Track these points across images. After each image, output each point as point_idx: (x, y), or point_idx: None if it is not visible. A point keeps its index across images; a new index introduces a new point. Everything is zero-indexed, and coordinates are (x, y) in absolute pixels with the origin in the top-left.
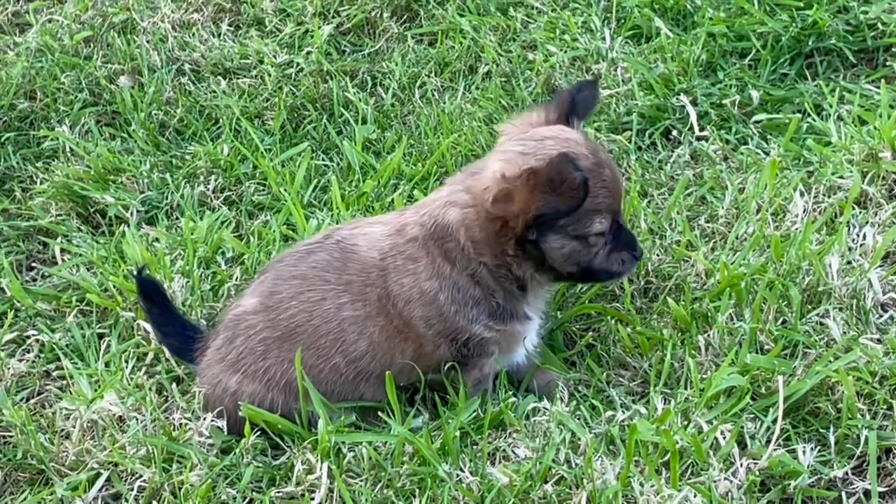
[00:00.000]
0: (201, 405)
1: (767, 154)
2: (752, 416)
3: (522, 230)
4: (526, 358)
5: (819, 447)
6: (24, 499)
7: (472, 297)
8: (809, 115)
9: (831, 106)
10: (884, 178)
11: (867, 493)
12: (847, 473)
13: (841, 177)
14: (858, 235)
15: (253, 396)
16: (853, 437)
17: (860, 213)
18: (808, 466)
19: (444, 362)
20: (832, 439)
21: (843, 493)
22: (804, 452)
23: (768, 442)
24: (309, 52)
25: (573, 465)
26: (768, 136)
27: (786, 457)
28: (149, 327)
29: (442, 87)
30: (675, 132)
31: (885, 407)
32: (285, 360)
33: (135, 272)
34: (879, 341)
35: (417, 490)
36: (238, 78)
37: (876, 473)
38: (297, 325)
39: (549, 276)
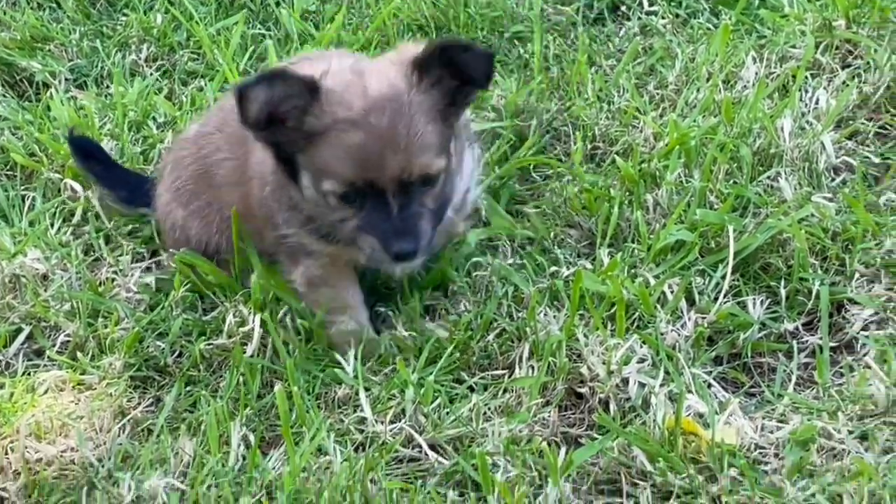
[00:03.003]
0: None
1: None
2: (701, 271)
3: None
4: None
5: (770, 302)
6: None
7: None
8: None
9: None
10: (837, 47)
11: (818, 349)
12: (798, 328)
13: (794, 46)
14: (811, 100)
15: (199, 236)
16: (804, 291)
17: (813, 80)
18: (757, 319)
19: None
20: (783, 294)
21: (795, 346)
22: (754, 305)
23: (717, 299)
24: None
25: (515, 318)
26: (719, 10)
27: (735, 309)
28: (77, 186)
29: None
30: (623, 7)
31: (837, 263)
32: (215, 201)
33: (64, 134)
34: (831, 200)
35: (351, 342)
36: None
37: (827, 328)
38: (212, 165)
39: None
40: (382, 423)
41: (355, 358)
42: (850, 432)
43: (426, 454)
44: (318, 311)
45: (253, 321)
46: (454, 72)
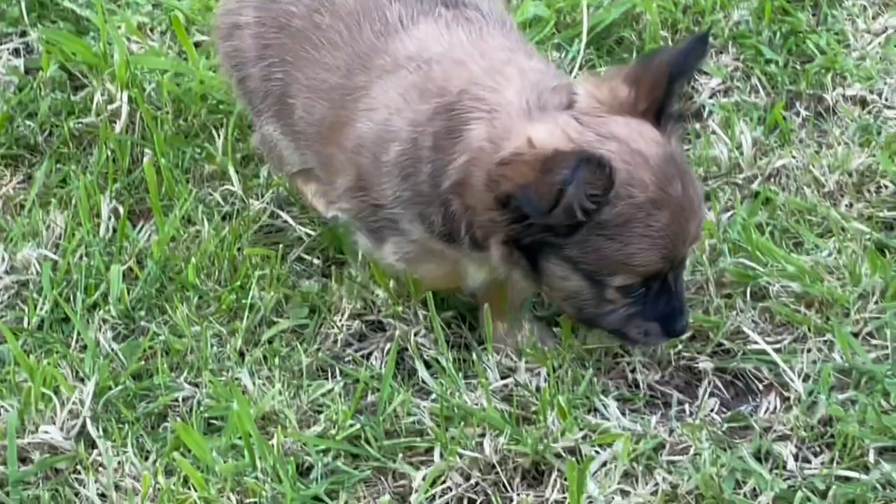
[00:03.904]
0: None
1: None
2: (557, 45)
3: (505, 224)
4: None
5: None
6: None
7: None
8: None
9: None
10: None
11: None
12: None
13: None
14: None
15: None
16: None
17: None
18: None
19: None
20: None
21: None
22: None
23: (573, 72)
24: None
25: None
26: None
27: None
28: None
29: None
30: None
31: (687, 35)
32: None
33: None
34: None
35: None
36: None
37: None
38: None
39: (537, 288)
40: (249, 196)
41: (225, 139)
42: None
43: (294, 227)
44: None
45: (121, 98)
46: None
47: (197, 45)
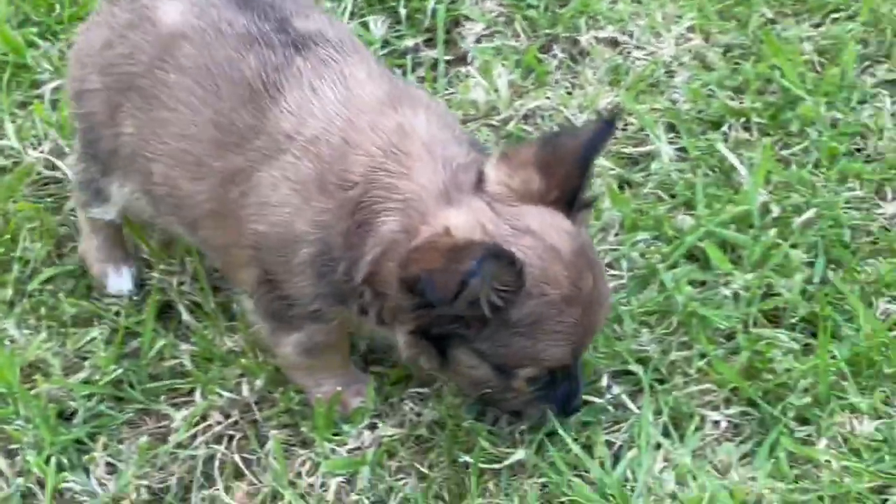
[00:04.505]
0: None
1: None
2: None
3: (411, 309)
4: None
5: (392, 21)
6: None
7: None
8: None
9: None
10: None
11: (435, 62)
12: (418, 44)
13: None
14: None
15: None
16: (423, 10)
17: None
18: (380, 38)
19: None
20: (403, 14)
21: (410, 61)
22: (377, 25)
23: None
24: None
25: None
26: None
27: (360, 30)
28: None
29: None
30: None
31: None
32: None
33: None
34: None
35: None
36: None
37: (444, 43)
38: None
39: (442, 374)
40: (26, 147)
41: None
42: None
43: (70, 178)
44: (302, 381)
45: None
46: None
47: None
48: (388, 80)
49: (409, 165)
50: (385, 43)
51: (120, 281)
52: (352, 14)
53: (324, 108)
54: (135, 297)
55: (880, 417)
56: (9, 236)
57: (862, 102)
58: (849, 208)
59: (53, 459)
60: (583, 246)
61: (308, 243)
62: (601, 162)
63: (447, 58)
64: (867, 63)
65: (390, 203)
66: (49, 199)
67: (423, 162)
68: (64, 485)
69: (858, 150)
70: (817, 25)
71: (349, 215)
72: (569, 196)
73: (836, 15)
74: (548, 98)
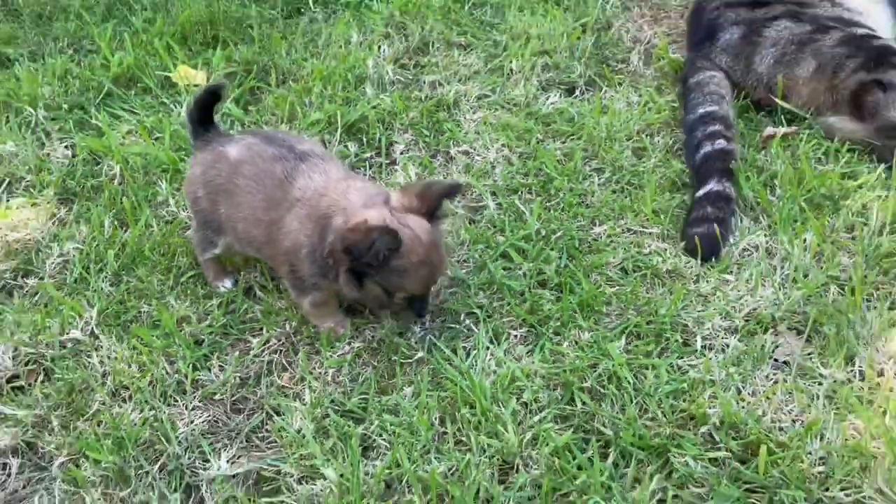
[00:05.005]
0: None
1: None
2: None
3: (347, 262)
4: None
5: (359, 144)
6: None
7: (318, 263)
8: None
9: None
10: None
11: (381, 164)
12: (372, 155)
13: None
14: None
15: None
16: (375, 138)
17: None
18: (353, 152)
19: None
20: (365, 140)
21: (368, 164)
22: (351, 146)
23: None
24: None
25: None
26: None
27: None
28: None
29: None
30: None
31: None
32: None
33: None
34: None
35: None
36: None
37: (385, 154)
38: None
39: (359, 295)
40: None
41: None
42: None
43: None
44: (314, 321)
45: None
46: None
47: None
48: (345, 171)
49: (347, 195)
50: (356, 154)
51: (227, 282)
52: (339, 140)
53: (314, 185)
54: (234, 289)
55: (592, 330)
56: (170, 253)
57: (584, 179)
58: (579, 230)
59: (191, 365)
60: (435, 237)
61: (304, 245)
62: (460, 212)
63: (386, 162)
64: (587, 160)
65: (338, 211)
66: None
67: (354, 194)
68: (197, 376)
69: (581, 202)
70: (563, 143)
71: (322, 228)
72: (431, 213)
73: (572, 137)
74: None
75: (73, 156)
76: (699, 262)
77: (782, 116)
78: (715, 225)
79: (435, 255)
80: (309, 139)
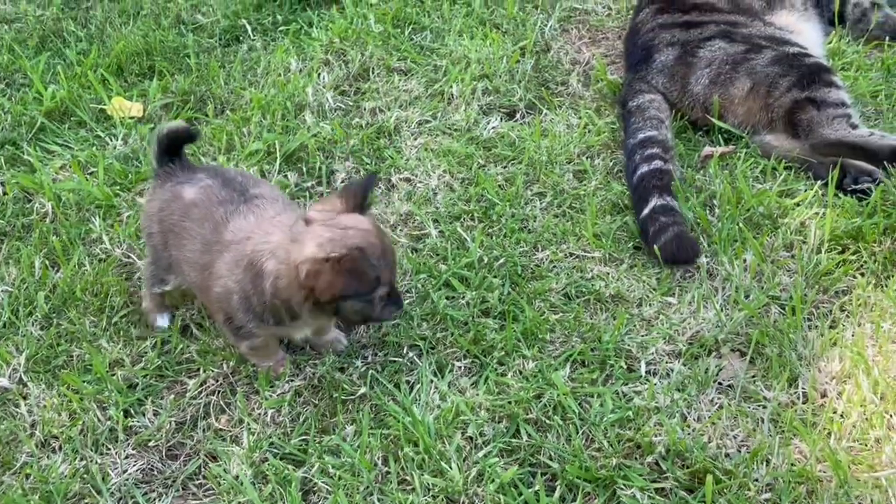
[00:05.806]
0: None
1: None
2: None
3: (327, 300)
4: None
5: (299, 173)
6: None
7: (252, 310)
8: None
9: None
10: None
11: (322, 192)
12: (313, 185)
13: None
14: None
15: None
16: (315, 168)
17: None
18: (293, 182)
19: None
20: (305, 170)
21: (308, 193)
22: (291, 176)
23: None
24: None
25: None
26: None
27: None
28: None
29: None
30: None
31: None
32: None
33: None
34: None
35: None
36: None
37: (326, 182)
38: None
39: (334, 320)
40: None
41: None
42: None
43: None
44: (253, 360)
45: None
46: None
47: None
48: (281, 207)
49: (270, 233)
50: (296, 184)
51: (164, 317)
52: (279, 171)
53: (246, 226)
54: (170, 327)
55: (536, 359)
56: (103, 293)
57: (526, 204)
58: (521, 256)
59: (123, 411)
60: (378, 226)
61: (235, 292)
62: (404, 243)
63: (327, 191)
64: (528, 184)
65: (265, 254)
66: (124, 274)
67: (276, 230)
68: (130, 422)
69: (523, 227)
70: (505, 167)
71: (250, 272)
72: (359, 206)
73: (514, 161)
74: (376, 208)
75: (4, 194)
76: (682, 269)
77: (719, 136)
78: (678, 227)
79: (385, 238)
80: (267, 183)
